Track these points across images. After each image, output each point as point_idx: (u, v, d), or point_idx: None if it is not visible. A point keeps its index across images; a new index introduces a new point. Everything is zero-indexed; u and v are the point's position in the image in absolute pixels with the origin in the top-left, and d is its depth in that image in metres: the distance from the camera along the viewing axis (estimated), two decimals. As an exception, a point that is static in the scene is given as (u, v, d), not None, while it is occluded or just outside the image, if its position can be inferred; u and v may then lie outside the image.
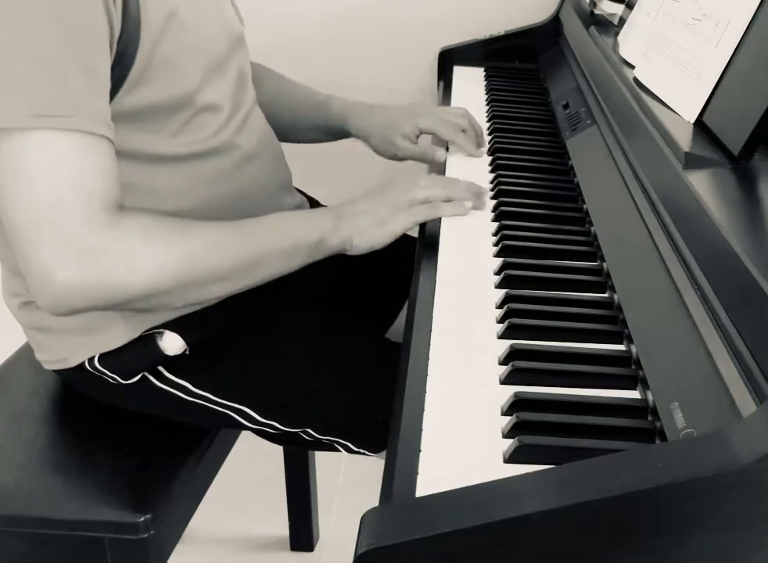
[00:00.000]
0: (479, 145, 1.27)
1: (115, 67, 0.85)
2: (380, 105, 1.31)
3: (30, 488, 0.99)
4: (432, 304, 0.87)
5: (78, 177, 0.81)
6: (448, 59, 1.74)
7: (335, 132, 1.32)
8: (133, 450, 1.03)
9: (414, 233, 1.14)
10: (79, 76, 0.80)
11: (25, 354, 1.19)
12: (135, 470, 1.00)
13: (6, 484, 0.99)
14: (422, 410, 0.71)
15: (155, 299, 0.88)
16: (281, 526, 1.64)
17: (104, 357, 1.01)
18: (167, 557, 1.02)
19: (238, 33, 1.07)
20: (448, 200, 1.05)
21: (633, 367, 0.77)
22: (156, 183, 0.94)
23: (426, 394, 0.73)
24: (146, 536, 0.95)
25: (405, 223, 1.01)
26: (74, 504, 0.96)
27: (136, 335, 0.99)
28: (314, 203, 1.27)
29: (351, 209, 1.00)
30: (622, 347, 0.80)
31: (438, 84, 1.71)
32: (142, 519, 0.95)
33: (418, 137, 1.27)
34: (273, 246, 0.94)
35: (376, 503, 0.60)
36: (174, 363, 1.02)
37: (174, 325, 1.00)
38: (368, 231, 1.00)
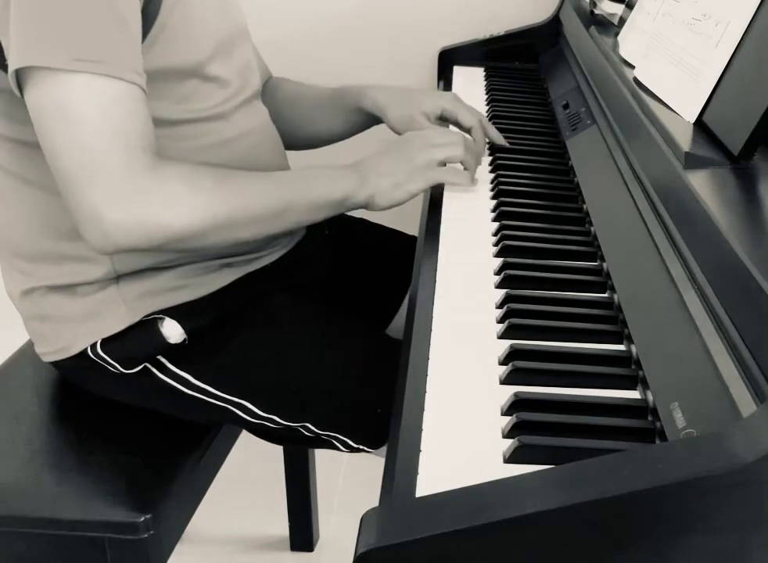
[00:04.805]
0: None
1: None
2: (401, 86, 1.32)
3: (30, 488, 0.99)
4: (432, 304, 0.87)
5: (118, 121, 0.86)
6: (448, 59, 1.74)
7: (353, 115, 1.29)
8: (133, 450, 1.03)
9: (414, 232, 1.14)
10: (111, 25, 0.86)
11: (25, 354, 1.19)
12: (135, 470, 1.00)
13: (6, 484, 0.99)
14: (422, 409, 0.71)
15: (192, 241, 0.93)
16: (281, 526, 1.64)
17: (106, 343, 1.01)
18: (167, 557, 1.02)
19: (242, 24, 1.11)
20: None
21: (633, 367, 0.77)
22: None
23: (426, 394, 0.73)
24: (146, 536, 0.95)
25: (421, 186, 1.07)
26: (74, 504, 0.96)
27: (137, 319, 1.00)
28: None
29: (374, 170, 1.06)
30: (622, 347, 0.80)
31: (438, 84, 1.71)
32: (142, 519, 0.95)
33: (437, 118, 1.25)
34: (301, 198, 1.01)
35: (376, 503, 0.60)
36: (177, 354, 1.02)
37: (172, 312, 1.00)
38: (389, 192, 1.06)
